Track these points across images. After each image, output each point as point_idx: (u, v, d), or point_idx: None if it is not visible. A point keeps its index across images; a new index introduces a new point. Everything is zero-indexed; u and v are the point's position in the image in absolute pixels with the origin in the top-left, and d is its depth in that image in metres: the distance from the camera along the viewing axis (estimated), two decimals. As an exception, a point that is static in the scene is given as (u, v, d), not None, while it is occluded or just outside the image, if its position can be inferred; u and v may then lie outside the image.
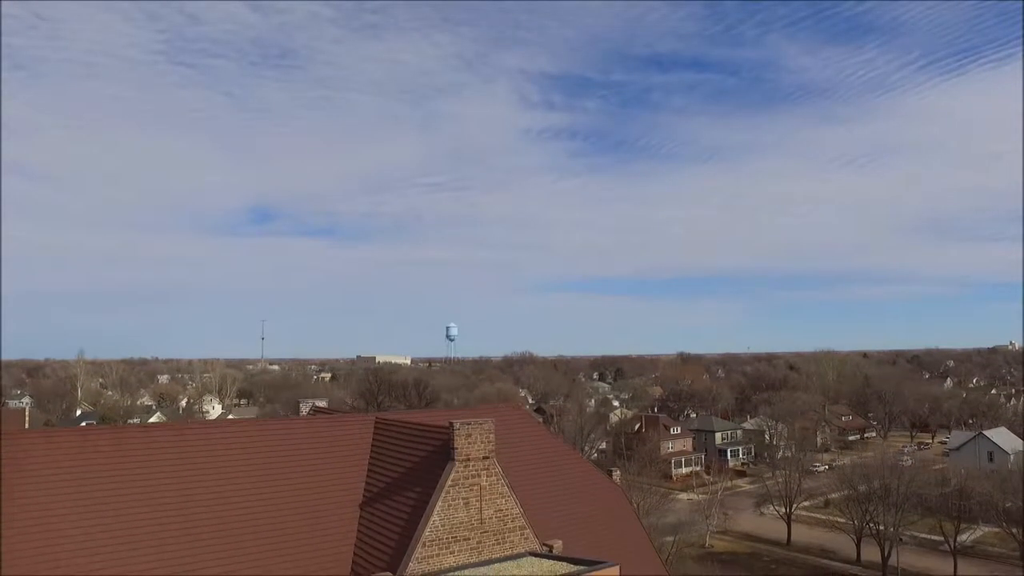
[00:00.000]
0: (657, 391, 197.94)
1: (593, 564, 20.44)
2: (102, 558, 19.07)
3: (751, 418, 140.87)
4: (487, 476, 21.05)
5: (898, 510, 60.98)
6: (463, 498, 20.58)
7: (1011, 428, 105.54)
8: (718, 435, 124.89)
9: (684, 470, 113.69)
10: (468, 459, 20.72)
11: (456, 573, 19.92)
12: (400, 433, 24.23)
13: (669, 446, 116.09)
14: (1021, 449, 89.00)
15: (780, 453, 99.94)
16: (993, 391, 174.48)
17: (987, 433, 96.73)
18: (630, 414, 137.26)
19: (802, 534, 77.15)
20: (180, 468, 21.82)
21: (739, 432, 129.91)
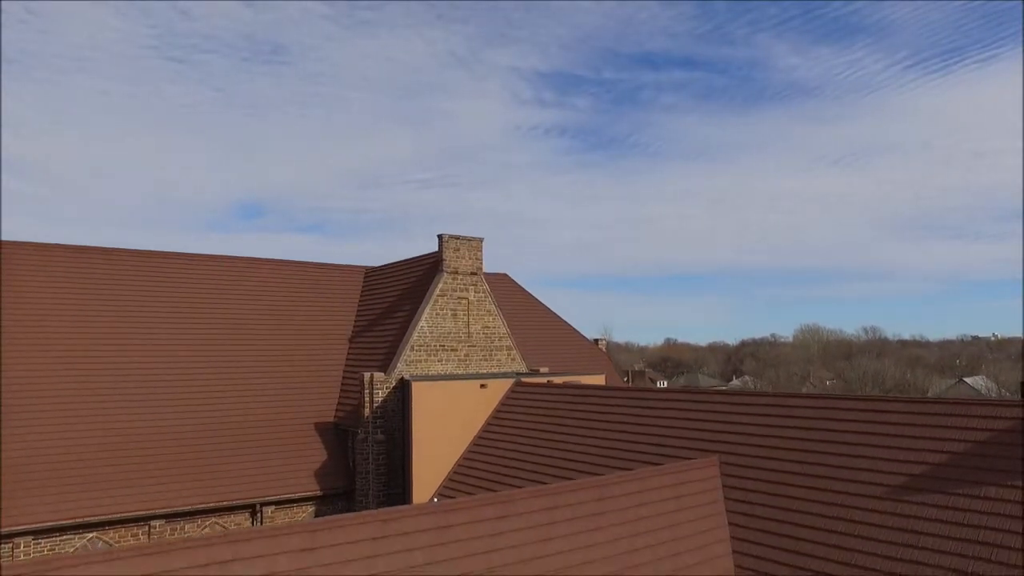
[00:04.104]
0: (642, 366, 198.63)
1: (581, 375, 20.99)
2: (96, 368, 19.39)
3: (737, 378, 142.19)
4: (475, 292, 21.49)
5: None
6: (451, 309, 21.02)
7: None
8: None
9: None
10: (456, 272, 21.15)
11: (444, 380, 20.35)
12: (390, 272, 24.63)
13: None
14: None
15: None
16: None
17: (967, 379, 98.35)
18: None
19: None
20: (171, 294, 22.13)
21: (724, 389, 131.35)
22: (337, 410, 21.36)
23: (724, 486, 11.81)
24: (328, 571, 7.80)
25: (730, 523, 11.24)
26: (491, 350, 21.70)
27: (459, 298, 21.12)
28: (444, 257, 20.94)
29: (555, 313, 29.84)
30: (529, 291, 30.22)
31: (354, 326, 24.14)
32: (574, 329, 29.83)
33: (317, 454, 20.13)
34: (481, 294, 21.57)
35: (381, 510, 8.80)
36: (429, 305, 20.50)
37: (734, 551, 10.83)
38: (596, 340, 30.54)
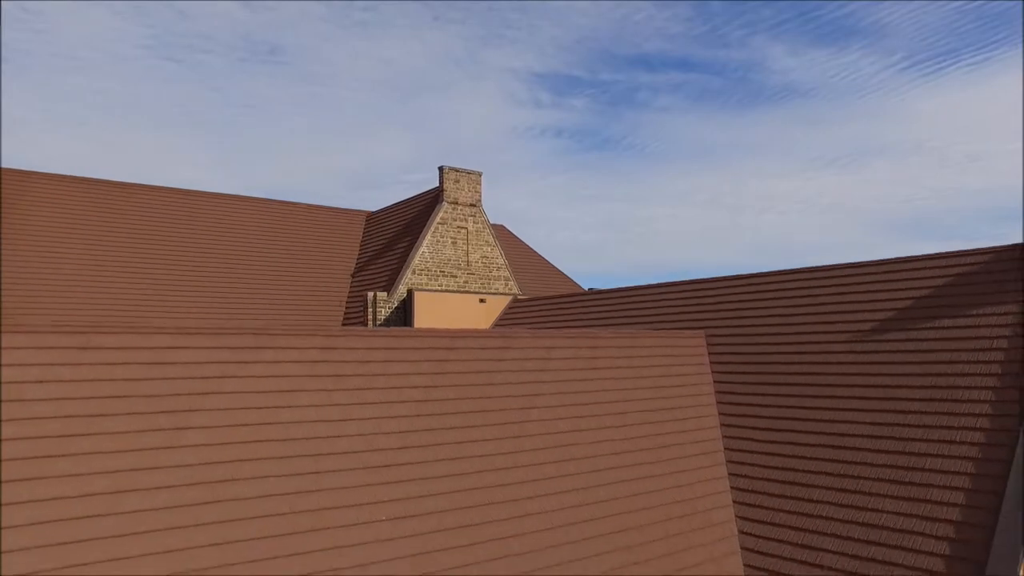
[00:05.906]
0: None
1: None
2: (109, 300, 20.01)
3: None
4: (473, 223, 22.20)
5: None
6: (451, 238, 21.72)
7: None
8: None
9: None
10: (456, 202, 21.86)
11: (445, 292, 21.05)
12: (391, 211, 25.32)
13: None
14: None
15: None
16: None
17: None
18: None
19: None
20: (188, 229, 22.75)
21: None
22: (340, 337, 22.01)
23: (710, 353, 12.55)
24: (344, 367, 8.51)
25: (715, 382, 11.97)
26: (489, 279, 22.41)
27: (458, 227, 21.83)
28: (444, 188, 21.64)
29: (552, 264, 30.55)
30: (528, 243, 30.92)
31: (356, 262, 24.80)
32: (571, 279, 30.53)
33: (321, 376, 20.74)
34: (480, 225, 22.28)
35: (394, 328, 9.51)
36: (430, 232, 21.21)
37: (719, 402, 11.57)
38: (591, 290, 31.21)
